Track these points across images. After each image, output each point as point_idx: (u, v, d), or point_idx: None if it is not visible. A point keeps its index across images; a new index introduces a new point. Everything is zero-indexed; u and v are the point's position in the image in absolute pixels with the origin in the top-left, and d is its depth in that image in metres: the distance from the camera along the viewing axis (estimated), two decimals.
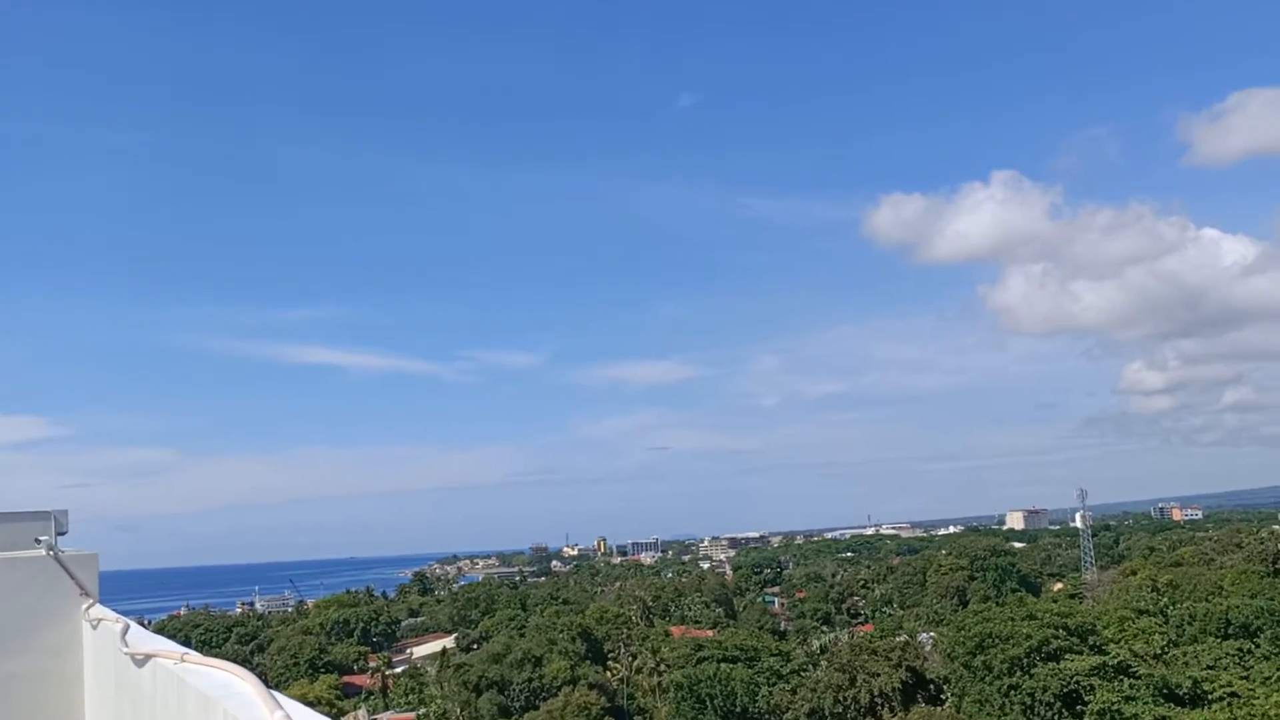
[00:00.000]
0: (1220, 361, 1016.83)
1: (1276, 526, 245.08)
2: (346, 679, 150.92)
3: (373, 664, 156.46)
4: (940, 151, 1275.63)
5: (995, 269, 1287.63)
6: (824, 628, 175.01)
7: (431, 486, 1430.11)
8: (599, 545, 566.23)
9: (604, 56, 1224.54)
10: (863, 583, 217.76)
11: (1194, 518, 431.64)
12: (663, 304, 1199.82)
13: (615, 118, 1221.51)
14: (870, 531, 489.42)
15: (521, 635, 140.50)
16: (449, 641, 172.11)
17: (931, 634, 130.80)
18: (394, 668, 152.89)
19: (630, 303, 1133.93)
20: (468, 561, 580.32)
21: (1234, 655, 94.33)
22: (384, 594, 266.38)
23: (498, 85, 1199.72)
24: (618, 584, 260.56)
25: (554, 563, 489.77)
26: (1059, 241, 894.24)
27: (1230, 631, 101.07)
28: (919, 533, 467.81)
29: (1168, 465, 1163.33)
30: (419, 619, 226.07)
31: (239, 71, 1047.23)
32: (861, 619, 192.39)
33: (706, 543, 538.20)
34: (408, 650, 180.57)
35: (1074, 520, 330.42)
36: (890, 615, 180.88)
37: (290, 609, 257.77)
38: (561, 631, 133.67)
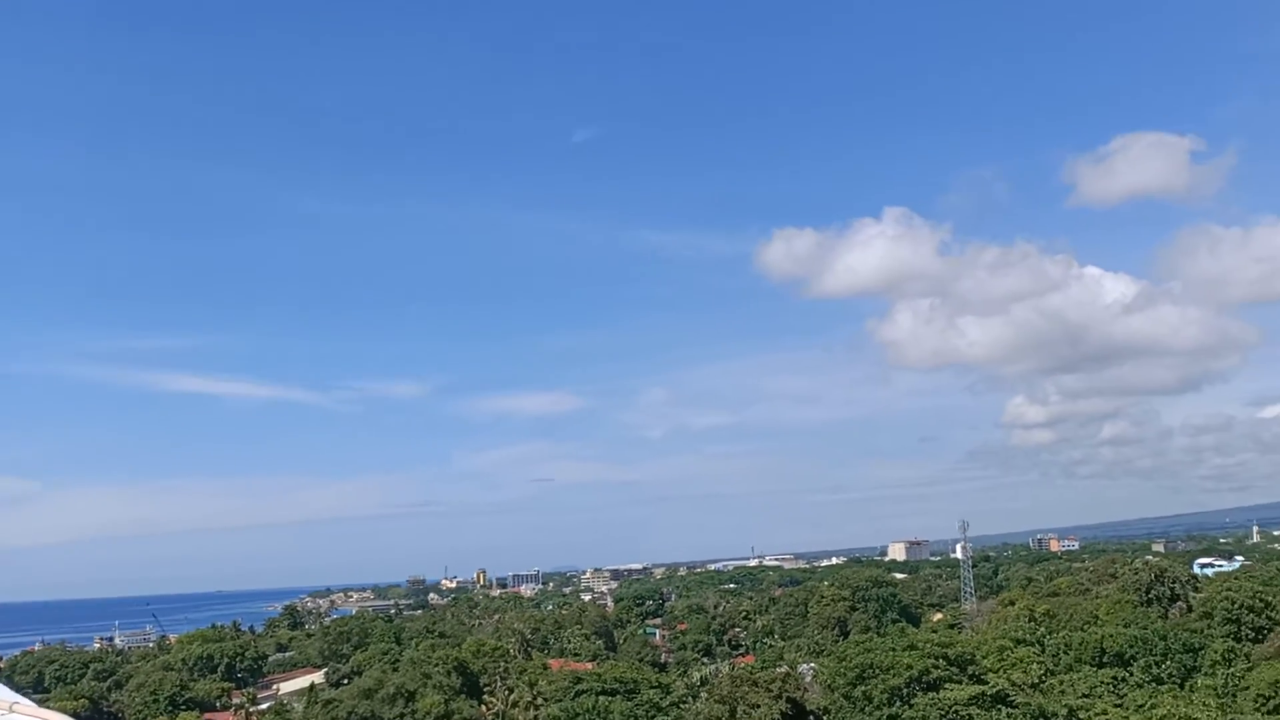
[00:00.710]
0: (1099, 396, 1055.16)
1: (1150, 557, 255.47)
2: (208, 716, 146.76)
3: (236, 701, 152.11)
4: (834, 187, 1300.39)
5: (885, 304, 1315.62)
6: (705, 659, 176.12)
7: (307, 518, 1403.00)
8: (479, 577, 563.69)
9: (502, 91, 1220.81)
10: (745, 614, 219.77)
11: (1071, 548, 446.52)
12: (552, 335, 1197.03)
13: (509, 151, 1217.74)
14: (754, 563, 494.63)
15: (395, 669, 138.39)
16: (318, 677, 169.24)
17: (812, 665, 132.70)
18: (259, 704, 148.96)
19: (519, 334, 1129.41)
20: (341, 595, 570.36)
21: (1108, 683, 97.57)
22: (251, 628, 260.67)
23: (390, 115, 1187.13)
24: (496, 616, 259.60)
25: (431, 595, 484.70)
26: (947, 278, 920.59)
27: (1105, 660, 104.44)
28: (802, 564, 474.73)
29: (1047, 497, 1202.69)
30: (287, 654, 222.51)
31: (94, 91, 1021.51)
32: (743, 650, 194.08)
33: (588, 574, 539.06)
34: (274, 686, 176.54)
35: (955, 551, 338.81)
36: (771, 646, 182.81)
37: (151, 644, 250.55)
38: (437, 665, 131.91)
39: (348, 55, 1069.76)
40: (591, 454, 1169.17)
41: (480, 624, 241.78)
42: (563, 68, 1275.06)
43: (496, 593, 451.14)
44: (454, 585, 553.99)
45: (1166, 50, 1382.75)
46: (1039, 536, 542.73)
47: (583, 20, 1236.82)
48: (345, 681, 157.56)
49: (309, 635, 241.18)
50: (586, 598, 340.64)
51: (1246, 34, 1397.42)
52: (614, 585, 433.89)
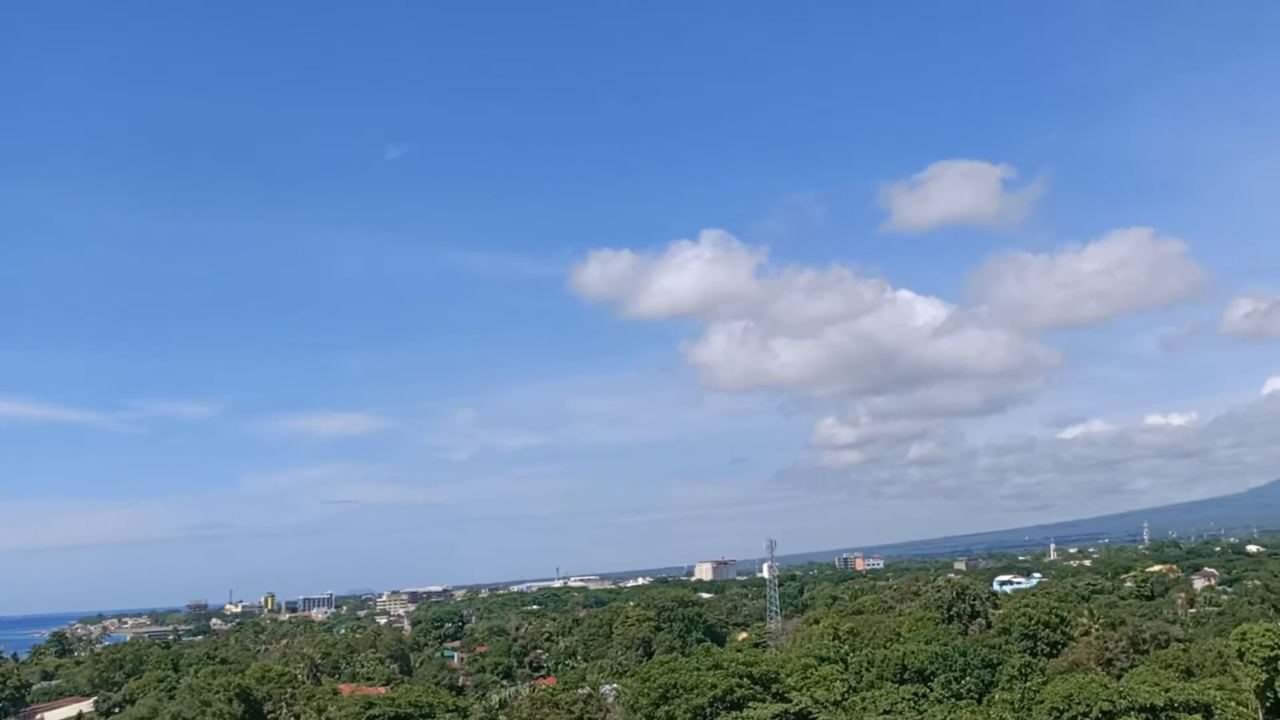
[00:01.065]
0: (908, 418, 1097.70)
1: (952, 575, 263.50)
2: None
3: None
4: (651, 209, 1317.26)
5: (699, 326, 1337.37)
6: (505, 682, 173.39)
7: (81, 542, 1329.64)
8: (266, 602, 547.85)
9: (312, 106, 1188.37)
10: (547, 635, 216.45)
11: (876, 567, 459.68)
12: (355, 354, 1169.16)
13: (318, 167, 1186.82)
14: (558, 584, 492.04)
15: (171, 698, 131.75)
16: (86, 705, 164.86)
17: (615, 686, 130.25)
18: None
19: (319, 353, 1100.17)
20: (115, 620, 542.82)
21: (910, 700, 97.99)
22: (15, 656, 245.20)
23: (190, 128, 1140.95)
24: (284, 642, 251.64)
25: (215, 621, 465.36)
26: (763, 300, 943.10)
27: (906, 677, 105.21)
28: (608, 585, 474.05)
29: (854, 516, 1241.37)
30: (54, 682, 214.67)
31: None
32: (544, 672, 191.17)
33: (385, 597, 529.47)
34: (38, 716, 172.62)
35: (762, 571, 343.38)
36: (574, 668, 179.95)
37: None
38: (217, 693, 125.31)
39: (144, 66, 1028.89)
40: (394, 476, 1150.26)
41: (267, 649, 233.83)
42: (377, 84, 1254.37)
43: (285, 617, 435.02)
44: (239, 610, 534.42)
45: (981, 82, 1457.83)
46: (845, 555, 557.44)
47: (398, 36, 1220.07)
48: (116, 710, 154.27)
49: (78, 663, 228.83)
50: (383, 621, 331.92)
51: (1058, 69, 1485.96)
52: (412, 608, 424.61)
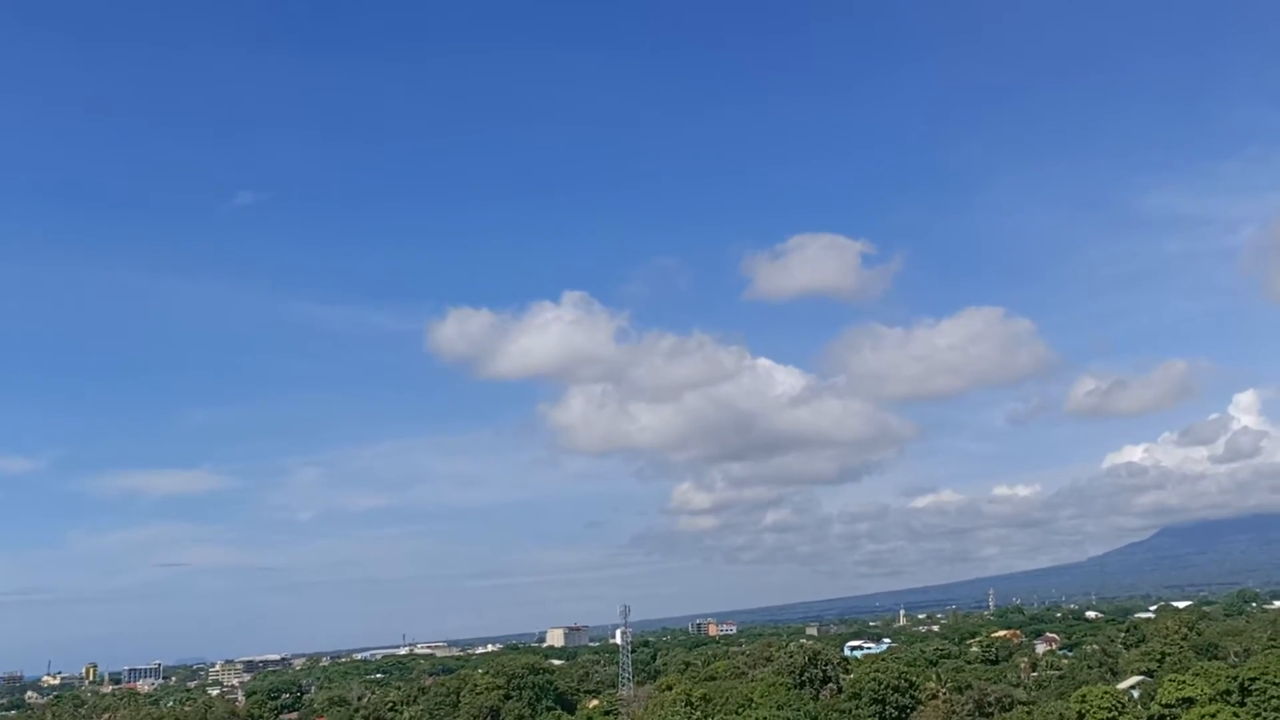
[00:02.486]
0: (764, 484, 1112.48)
1: (805, 640, 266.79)
2: None
3: None
4: (513, 268, 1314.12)
5: (558, 387, 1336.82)
6: None
7: None
8: (88, 672, 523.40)
9: (153, 150, 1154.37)
10: (391, 705, 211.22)
11: (729, 632, 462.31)
12: (193, 409, 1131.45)
13: (158, 212, 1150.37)
14: (404, 651, 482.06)
15: None
16: None
17: None
18: None
19: (154, 407, 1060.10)
20: None
21: None
22: None
23: (19, 168, 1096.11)
24: (106, 716, 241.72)
25: (30, 694, 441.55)
26: (623, 364, 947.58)
27: None
28: (456, 651, 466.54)
29: (709, 581, 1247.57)
30: None
31: None
32: None
33: (218, 666, 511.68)
34: None
35: (615, 636, 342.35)
36: None
37: None
38: None
39: None
40: (232, 537, 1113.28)
41: None
42: (225, 126, 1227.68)
43: (108, 689, 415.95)
44: (57, 682, 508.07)
45: (844, 157, 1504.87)
46: (699, 621, 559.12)
47: (248, 77, 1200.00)
48: None
49: None
50: (215, 692, 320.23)
51: (919, 151, 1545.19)
52: (247, 678, 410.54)
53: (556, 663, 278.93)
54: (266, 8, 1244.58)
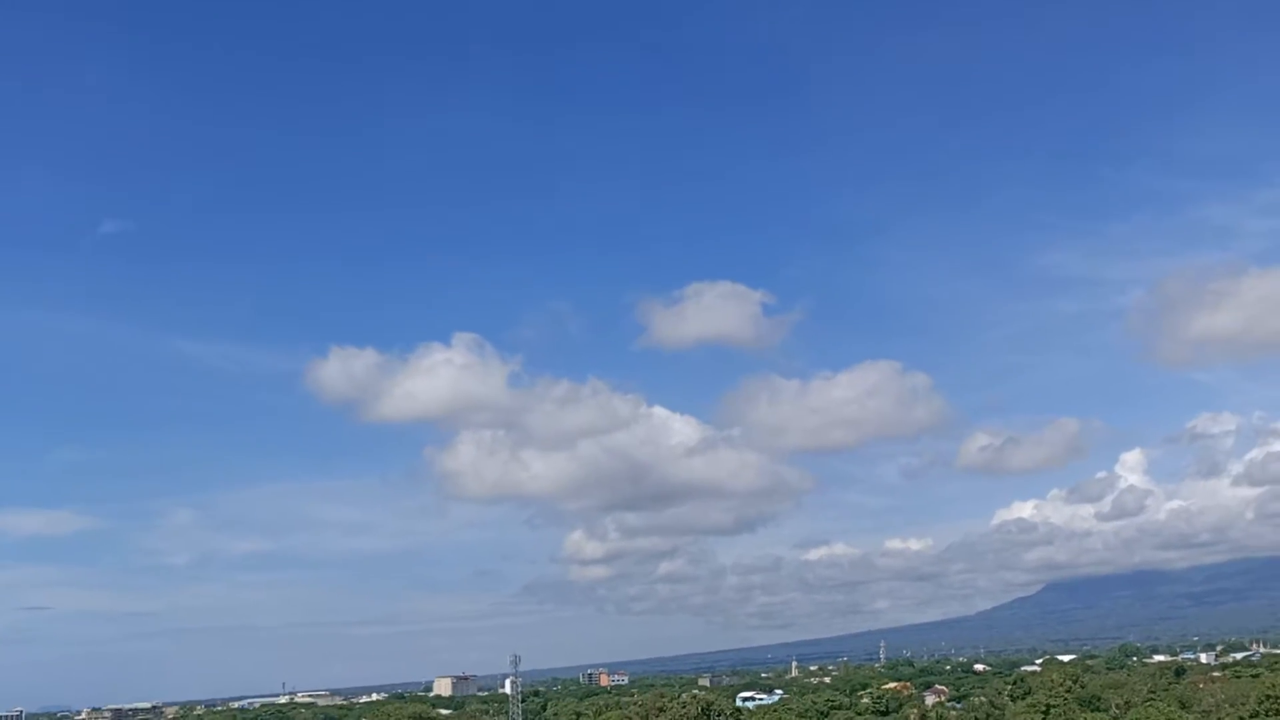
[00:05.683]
0: (658, 534, 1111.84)
1: (697, 691, 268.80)
2: None
3: None
4: (400, 307, 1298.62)
5: (448, 433, 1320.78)
6: None
7: None
8: None
9: (7, 172, 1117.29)
10: None
11: (621, 683, 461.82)
12: (58, 448, 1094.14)
13: (15, 239, 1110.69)
14: (284, 699, 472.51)
15: None
16: None
17: None
18: None
19: (17, 446, 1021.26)
20: None
21: None
22: None
23: None
24: None
25: None
26: (515, 409, 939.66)
27: None
28: (340, 700, 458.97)
29: (601, 632, 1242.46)
30: None
31: None
32: None
33: (84, 715, 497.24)
34: None
35: (504, 686, 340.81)
36: None
37: None
38: None
39: None
40: (100, 580, 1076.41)
41: None
42: (87, 150, 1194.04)
43: None
44: None
45: (745, 207, 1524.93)
46: (590, 670, 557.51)
47: (111, 99, 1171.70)
48: None
49: None
50: None
51: (819, 203, 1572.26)
52: None
53: (444, 712, 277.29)
54: (131, 28, 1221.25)
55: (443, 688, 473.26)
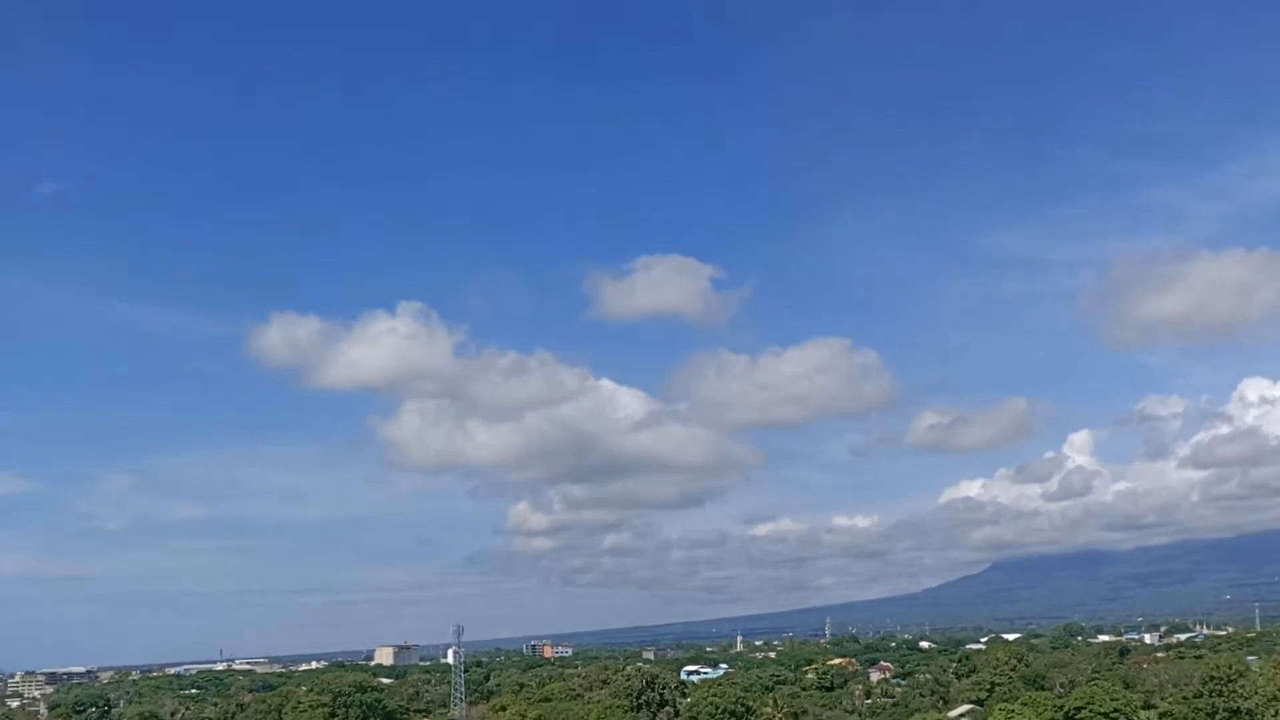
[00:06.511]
0: (604, 507, 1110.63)
1: (641, 664, 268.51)
2: None
3: None
4: (344, 274, 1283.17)
5: (392, 401, 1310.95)
6: None
7: None
8: None
9: None
10: None
11: (565, 655, 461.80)
12: None
13: None
14: (221, 667, 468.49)
15: None
16: None
17: None
18: None
19: None
20: None
21: None
22: None
23: None
24: None
25: None
26: (460, 379, 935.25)
27: None
28: (278, 668, 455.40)
29: (545, 603, 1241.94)
30: None
31: None
32: None
33: (18, 678, 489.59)
34: None
35: (447, 656, 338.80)
36: None
37: None
38: None
39: None
40: (33, 544, 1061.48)
41: None
42: (22, 107, 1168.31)
43: None
44: None
45: (696, 181, 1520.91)
46: (533, 642, 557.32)
47: (47, 54, 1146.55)
48: None
49: None
50: (15, 704, 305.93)
51: (769, 179, 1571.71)
52: (50, 690, 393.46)
53: (386, 681, 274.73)
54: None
55: (384, 657, 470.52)
